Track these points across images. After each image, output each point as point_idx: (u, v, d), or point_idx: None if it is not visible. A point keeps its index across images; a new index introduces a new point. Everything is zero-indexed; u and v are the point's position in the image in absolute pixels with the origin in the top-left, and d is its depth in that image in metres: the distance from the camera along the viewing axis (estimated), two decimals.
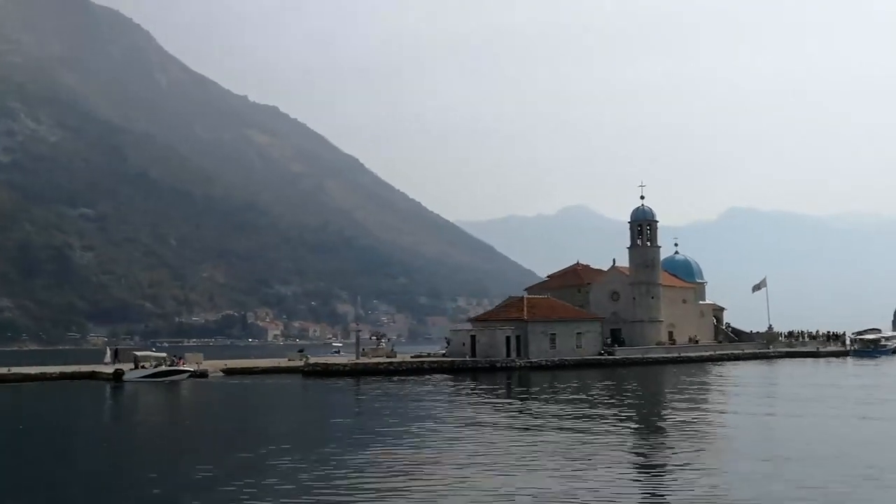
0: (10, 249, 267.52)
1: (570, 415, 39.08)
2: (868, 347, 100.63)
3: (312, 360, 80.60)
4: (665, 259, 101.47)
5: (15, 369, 70.36)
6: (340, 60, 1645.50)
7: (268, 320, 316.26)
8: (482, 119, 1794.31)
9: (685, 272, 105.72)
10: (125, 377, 65.85)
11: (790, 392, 53.41)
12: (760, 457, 26.12)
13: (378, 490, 21.49)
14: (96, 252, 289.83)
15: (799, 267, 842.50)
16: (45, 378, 68.19)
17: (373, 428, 35.00)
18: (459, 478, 22.94)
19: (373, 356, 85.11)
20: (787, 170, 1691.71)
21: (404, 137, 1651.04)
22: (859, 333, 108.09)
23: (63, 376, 68.96)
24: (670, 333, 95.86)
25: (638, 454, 27.71)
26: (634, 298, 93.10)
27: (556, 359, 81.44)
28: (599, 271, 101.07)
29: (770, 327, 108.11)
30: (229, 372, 72.97)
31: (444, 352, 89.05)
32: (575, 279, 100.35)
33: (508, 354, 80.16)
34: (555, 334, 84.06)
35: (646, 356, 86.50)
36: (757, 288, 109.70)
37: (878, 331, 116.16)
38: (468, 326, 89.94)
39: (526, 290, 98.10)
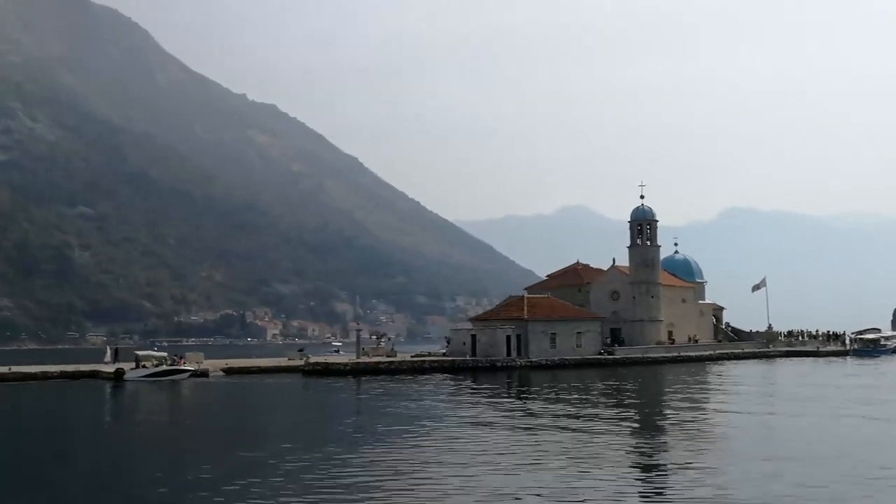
0: (8, 249, 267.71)
1: (571, 414, 39.14)
2: (868, 347, 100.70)
3: (312, 359, 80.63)
4: (665, 259, 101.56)
5: (15, 368, 70.30)
6: (340, 60, 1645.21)
7: (266, 320, 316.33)
8: (482, 119, 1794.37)
9: (685, 272, 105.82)
10: (126, 376, 65.85)
11: (790, 391, 53.46)
12: (761, 456, 26.14)
13: (380, 490, 21.51)
14: (95, 251, 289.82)
15: (799, 267, 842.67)
16: (46, 377, 68.18)
17: (374, 427, 35.03)
18: (462, 477, 22.96)
19: (373, 355, 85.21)
20: (787, 170, 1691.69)
21: (404, 137, 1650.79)
22: (859, 333, 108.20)
23: (64, 375, 68.95)
24: (670, 333, 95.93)
25: (638, 454, 27.72)
26: (634, 298, 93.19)
27: (556, 358, 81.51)
28: (599, 271, 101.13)
29: (770, 327, 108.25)
30: (230, 371, 72.96)
31: (444, 351, 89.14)
32: (575, 279, 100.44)
33: (509, 354, 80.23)
34: (555, 334, 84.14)
35: (646, 355, 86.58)
36: (756, 288, 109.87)
37: (878, 330, 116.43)
38: (468, 326, 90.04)
39: (526, 289, 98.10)
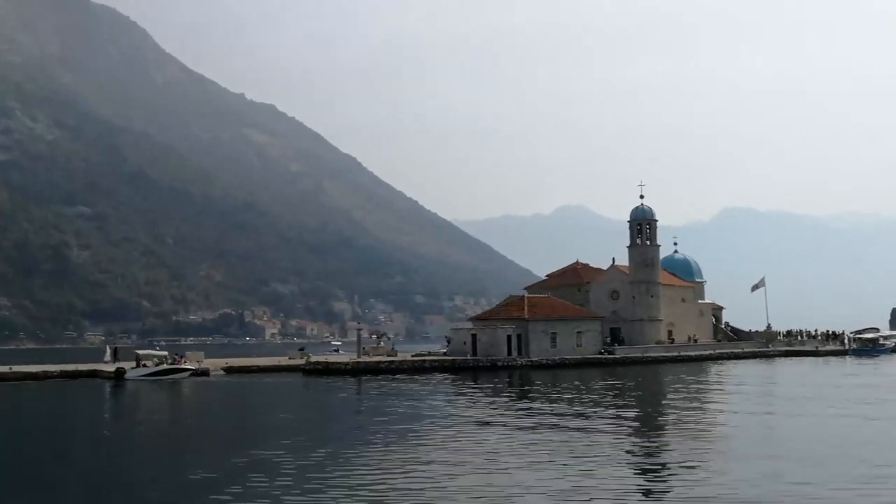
0: (7, 248, 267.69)
1: (571, 413, 39.17)
2: (867, 346, 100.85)
3: (312, 358, 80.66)
4: (664, 258, 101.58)
5: (16, 368, 70.28)
6: (340, 60, 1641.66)
7: (265, 319, 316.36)
8: (482, 119, 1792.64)
9: (684, 271, 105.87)
10: (126, 376, 65.86)
11: (790, 391, 53.50)
12: (760, 456, 26.17)
13: (381, 489, 21.51)
14: (94, 251, 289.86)
15: (798, 267, 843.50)
16: (46, 377, 68.17)
17: (375, 426, 35.03)
18: (463, 476, 22.98)
19: (374, 355, 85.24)
20: (787, 170, 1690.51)
21: (403, 137, 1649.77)
22: (858, 333, 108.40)
23: (64, 375, 68.96)
24: (669, 332, 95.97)
25: (638, 453, 27.75)
26: (634, 297, 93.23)
27: (556, 357, 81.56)
28: (599, 270, 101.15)
29: (769, 326, 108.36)
30: (230, 370, 73.01)
31: (444, 351, 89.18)
32: (575, 278, 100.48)
33: (509, 353, 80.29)
34: (555, 333, 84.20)
35: (645, 355, 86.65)
36: (756, 287, 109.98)
37: (877, 330, 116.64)
38: (469, 325, 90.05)
39: (526, 289, 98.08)
